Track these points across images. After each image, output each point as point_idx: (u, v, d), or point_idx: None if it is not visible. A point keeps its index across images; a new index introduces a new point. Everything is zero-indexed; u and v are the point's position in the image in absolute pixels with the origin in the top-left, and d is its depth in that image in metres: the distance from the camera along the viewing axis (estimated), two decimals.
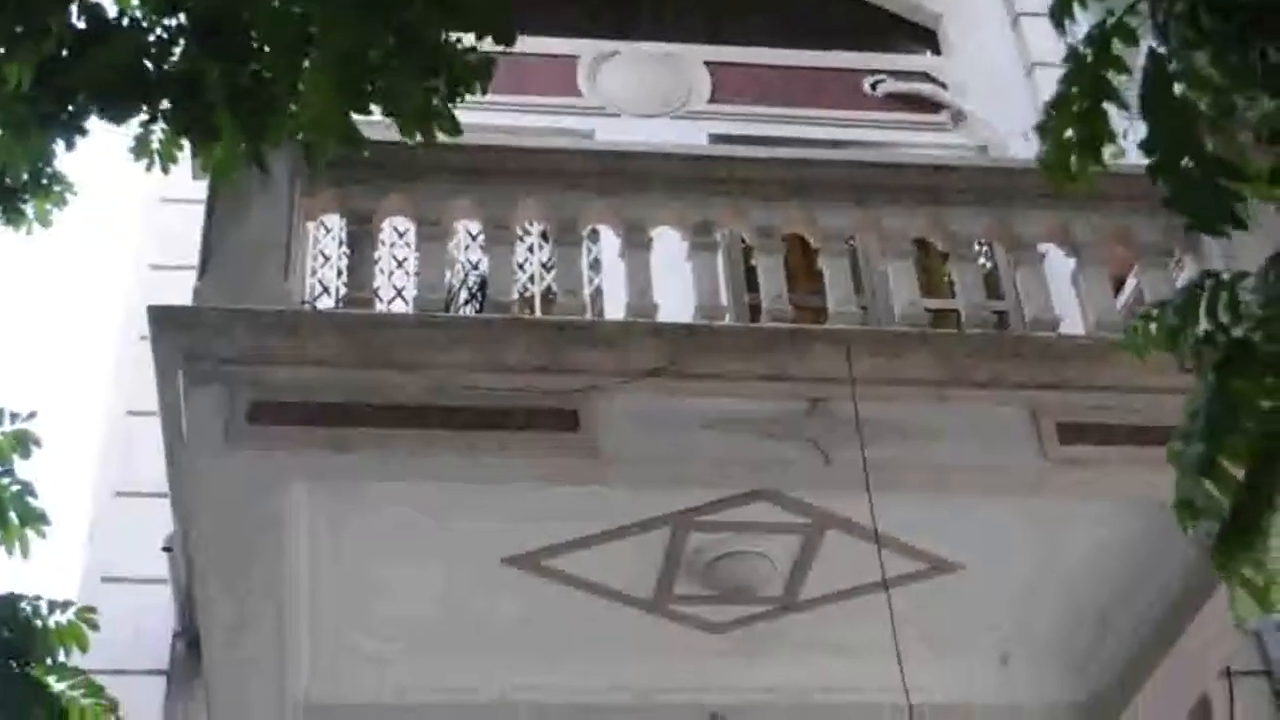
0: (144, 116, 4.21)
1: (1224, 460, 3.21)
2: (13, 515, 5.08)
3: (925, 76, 10.04)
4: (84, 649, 4.96)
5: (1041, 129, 3.78)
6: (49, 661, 4.87)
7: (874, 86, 9.90)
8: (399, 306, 7.86)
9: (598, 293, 7.87)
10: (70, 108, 4.11)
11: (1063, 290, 6.74)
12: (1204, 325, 3.64)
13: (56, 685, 4.86)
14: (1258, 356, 3.42)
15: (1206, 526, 3.22)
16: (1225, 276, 3.66)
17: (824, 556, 6.55)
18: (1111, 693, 7.31)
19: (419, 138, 4.23)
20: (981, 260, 7.62)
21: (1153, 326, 3.75)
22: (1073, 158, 3.82)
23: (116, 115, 4.17)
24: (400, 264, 8.27)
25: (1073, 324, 6.56)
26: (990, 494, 6.14)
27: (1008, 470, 5.96)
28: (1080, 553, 6.78)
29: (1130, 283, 7.11)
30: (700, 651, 6.99)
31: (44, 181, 5.23)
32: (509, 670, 6.96)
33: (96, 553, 7.37)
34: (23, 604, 4.94)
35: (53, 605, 4.94)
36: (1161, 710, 7.25)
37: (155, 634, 7.01)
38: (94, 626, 4.95)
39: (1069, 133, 3.81)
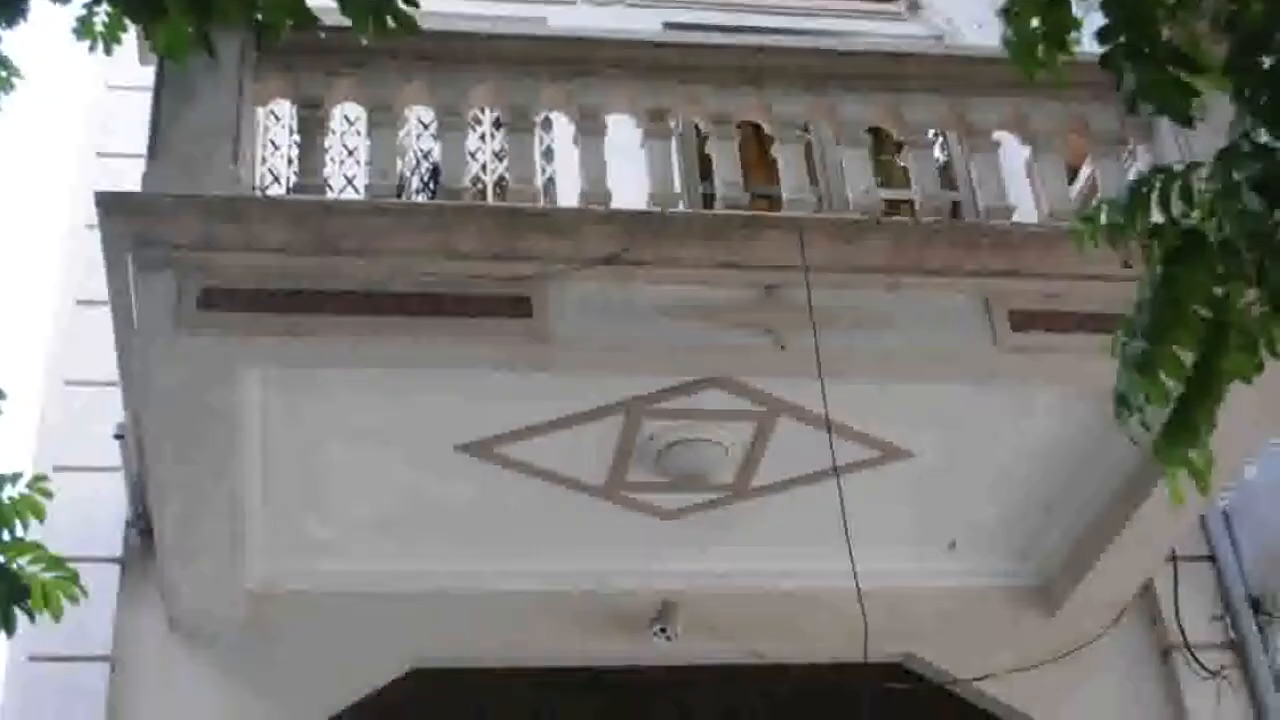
0: None
1: (1173, 349, 3.24)
2: None
3: None
4: (40, 518, 4.91)
5: (1007, 15, 3.77)
6: (5, 537, 4.82)
7: None
8: (350, 196, 7.79)
9: (550, 183, 7.82)
10: None
11: (1017, 182, 6.75)
12: (1155, 218, 3.67)
13: (15, 561, 4.82)
14: (1209, 245, 3.45)
15: (1138, 422, 3.26)
16: (1178, 168, 3.69)
17: (776, 444, 6.58)
18: (1058, 577, 7.43)
19: (371, 31, 4.21)
20: (936, 153, 7.61)
21: (1101, 219, 3.78)
22: (1039, 46, 3.82)
23: None
24: (351, 153, 8.18)
25: (1026, 214, 6.58)
26: (942, 380, 6.17)
27: (960, 357, 5.99)
28: (1029, 440, 6.84)
29: (1084, 172, 7.11)
30: (652, 538, 7.04)
31: None
32: (461, 556, 7.00)
33: (47, 442, 7.32)
34: None
35: (3, 479, 4.88)
36: (1107, 595, 7.38)
37: (108, 522, 6.99)
38: (47, 495, 4.91)
39: (1035, 22, 3.81)
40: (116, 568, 6.95)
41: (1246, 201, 3.19)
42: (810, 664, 7.28)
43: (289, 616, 6.97)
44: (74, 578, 4.88)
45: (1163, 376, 3.28)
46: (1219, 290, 3.41)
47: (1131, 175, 5.97)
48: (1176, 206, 3.48)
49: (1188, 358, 3.35)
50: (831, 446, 5.80)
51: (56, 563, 4.84)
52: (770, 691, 7.35)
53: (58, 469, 6.94)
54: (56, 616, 4.88)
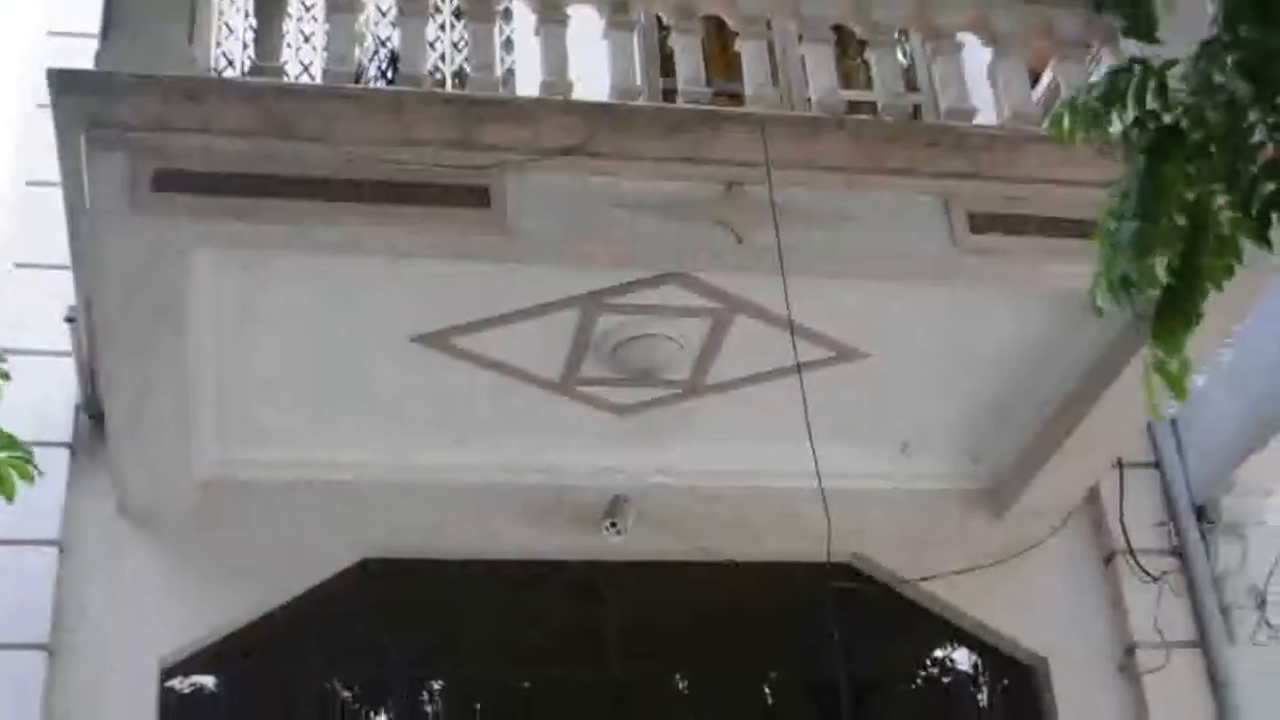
0: None
1: (1165, 226, 3.26)
2: None
3: None
4: None
5: None
6: None
7: None
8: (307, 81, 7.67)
9: (510, 74, 7.73)
10: None
11: (979, 87, 6.72)
12: (1131, 112, 3.66)
13: None
14: (1186, 143, 3.46)
15: (1124, 303, 3.27)
16: (1155, 63, 3.68)
17: (732, 341, 6.59)
18: (1006, 481, 7.51)
19: None
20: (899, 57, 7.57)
21: (1077, 110, 3.76)
22: None
23: None
24: (307, 39, 8.07)
25: (988, 119, 6.57)
26: (901, 281, 6.18)
27: (918, 257, 5.99)
28: (984, 345, 6.87)
29: (1046, 77, 7.09)
30: (606, 434, 7.06)
31: None
32: (413, 446, 7.00)
33: None
34: None
35: None
36: (1054, 498, 7.46)
37: (58, 406, 6.94)
38: (5, 377, 4.87)
39: None
40: (66, 452, 6.91)
41: (1233, 88, 3.19)
42: (759, 562, 7.35)
43: (239, 505, 6.96)
44: (29, 457, 4.84)
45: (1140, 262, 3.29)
46: (1191, 195, 3.42)
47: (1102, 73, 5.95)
48: (1153, 102, 3.48)
49: (1175, 248, 3.36)
50: (794, 343, 5.79)
51: (11, 441, 4.80)
52: (719, 588, 7.41)
53: (7, 352, 6.87)
54: (9, 497, 4.84)
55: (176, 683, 6.84)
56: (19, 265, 7.25)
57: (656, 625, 7.42)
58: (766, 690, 7.55)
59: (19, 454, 4.82)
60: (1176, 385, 3.56)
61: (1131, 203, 3.33)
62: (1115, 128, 3.59)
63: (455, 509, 7.10)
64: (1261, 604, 7.51)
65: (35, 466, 4.90)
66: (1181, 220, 3.33)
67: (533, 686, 7.32)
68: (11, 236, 7.38)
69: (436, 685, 7.26)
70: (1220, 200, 3.42)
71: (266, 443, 6.92)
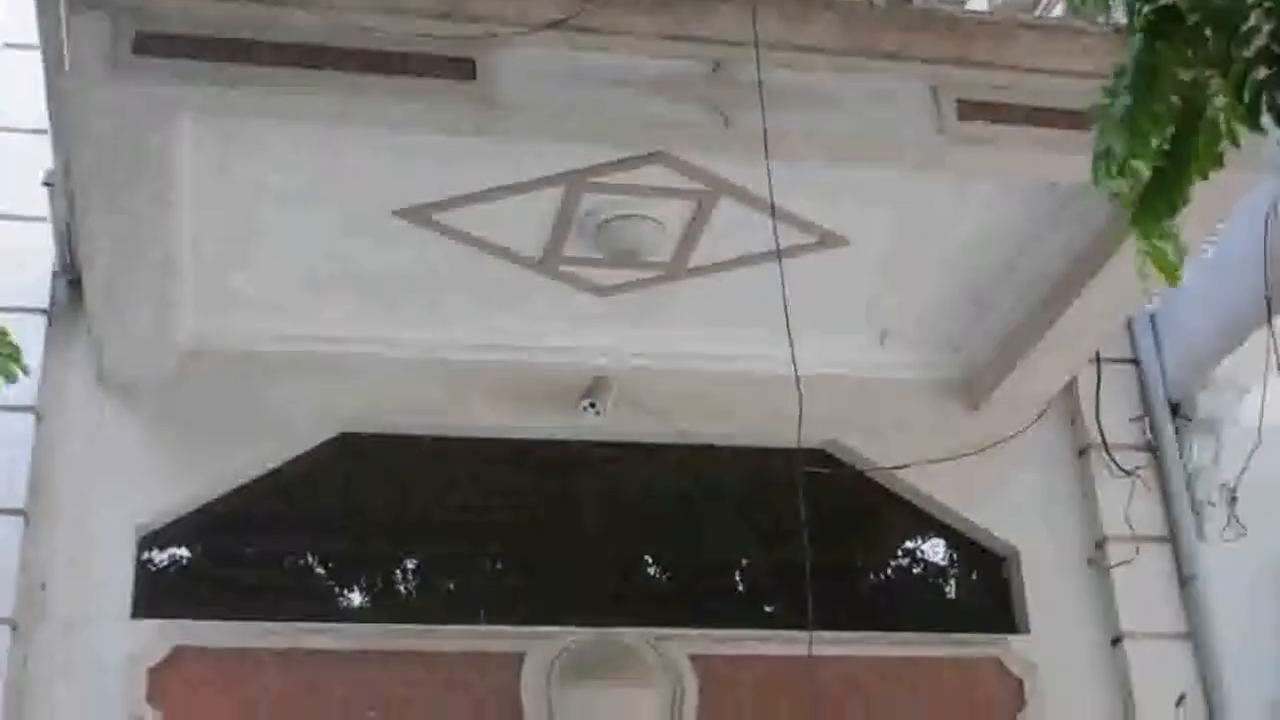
0: None
1: (1155, 106, 3.24)
2: None
3: None
4: None
5: None
6: None
7: None
8: None
9: None
10: None
11: None
12: None
13: None
14: (1183, 24, 3.42)
15: (1118, 180, 3.25)
16: None
17: (715, 225, 6.55)
18: (985, 372, 7.52)
19: None
20: None
21: None
22: None
23: None
24: None
25: (979, 3, 6.51)
26: (886, 166, 6.13)
27: (905, 143, 5.94)
28: (965, 234, 6.85)
29: None
30: (586, 314, 7.05)
31: None
32: (394, 321, 7.00)
33: None
34: None
35: None
36: (1031, 391, 7.49)
37: (35, 272, 6.90)
38: None
39: None
40: (43, 318, 6.87)
41: None
42: (735, 445, 7.38)
43: (219, 375, 6.96)
44: (4, 333, 4.83)
45: (1129, 137, 3.27)
46: (1187, 75, 3.38)
47: None
48: None
49: (1166, 128, 3.34)
50: (774, 227, 5.75)
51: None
52: (695, 470, 7.45)
53: None
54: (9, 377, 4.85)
55: (153, 553, 6.86)
56: None
57: (631, 506, 7.46)
58: (737, 575, 7.62)
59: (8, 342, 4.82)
60: (1170, 271, 3.55)
61: (1126, 80, 3.30)
62: (1119, 9, 3.54)
63: (434, 385, 7.10)
64: (1232, 501, 7.57)
65: (12, 344, 4.87)
66: (1175, 100, 3.30)
67: (506, 565, 7.38)
68: None
69: (411, 563, 7.30)
70: (1214, 85, 3.39)
71: (246, 314, 6.90)
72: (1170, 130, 3.33)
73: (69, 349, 6.86)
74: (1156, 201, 3.36)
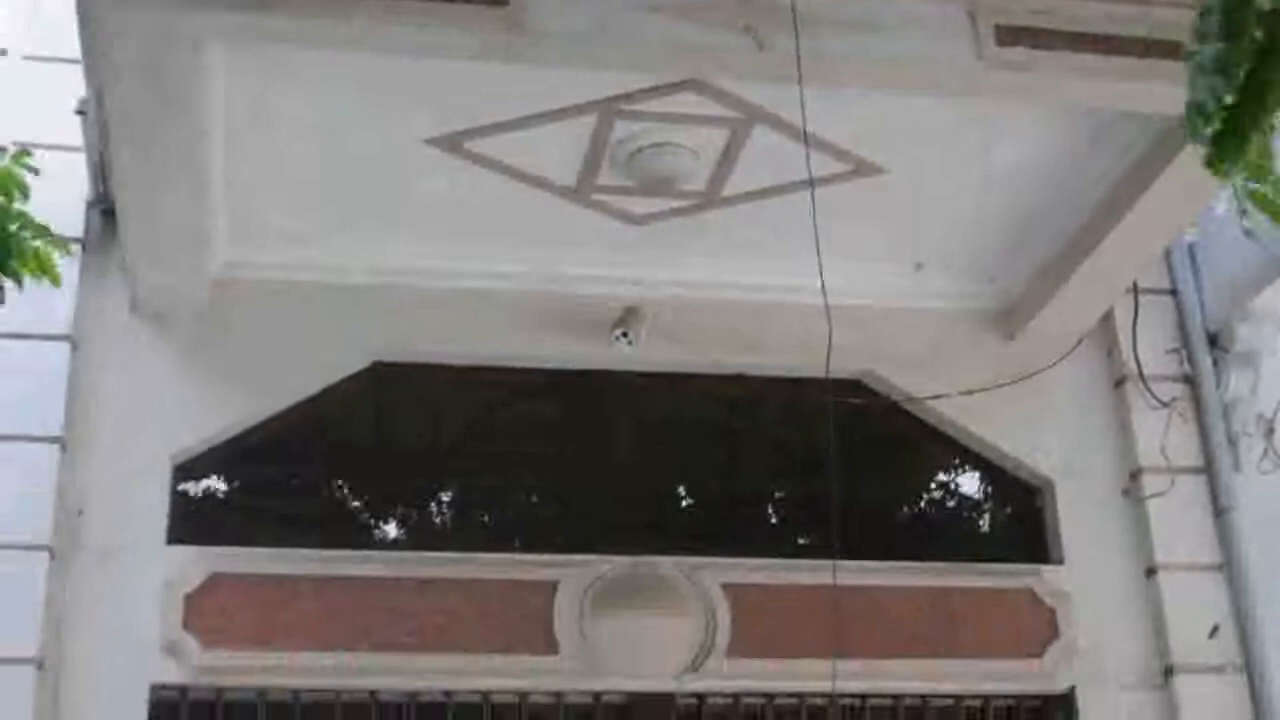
0: None
1: (1236, 66, 3.14)
2: None
3: None
4: (25, 194, 4.84)
5: None
6: None
7: None
8: None
9: None
10: None
11: None
12: None
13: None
14: None
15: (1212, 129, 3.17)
16: None
17: (749, 153, 6.50)
18: (1020, 303, 7.49)
19: None
20: None
21: None
22: None
23: None
24: None
25: None
26: (923, 92, 6.05)
27: (943, 69, 5.82)
28: (1002, 164, 6.77)
29: None
30: (619, 243, 7.02)
31: None
32: (426, 252, 6.99)
33: (6, 121, 7.15)
34: None
35: None
36: (1068, 321, 7.44)
37: (69, 202, 6.87)
38: (34, 171, 4.84)
39: None
40: (78, 248, 6.84)
41: None
42: (769, 376, 7.36)
43: (252, 305, 6.97)
44: (63, 242, 4.84)
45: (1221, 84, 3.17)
46: (1267, 4, 3.28)
47: None
48: None
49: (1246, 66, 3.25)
50: (807, 154, 5.69)
51: (42, 229, 4.79)
52: (728, 400, 7.45)
53: (17, 144, 6.82)
54: (56, 281, 4.87)
55: (189, 482, 6.89)
56: (27, 58, 7.16)
57: (664, 436, 7.46)
58: (770, 505, 7.62)
59: (51, 238, 4.82)
60: (1273, 210, 3.47)
61: (1213, 19, 3.19)
62: None
63: (467, 315, 7.09)
64: (1269, 432, 7.53)
65: (68, 249, 4.88)
66: (1258, 34, 3.19)
67: (540, 494, 7.39)
68: (20, 28, 7.27)
69: (444, 492, 7.33)
70: None
71: (278, 244, 6.90)
72: (1248, 66, 3.22)
73: (103, 278, 6.88)
74: (1228, 142, 3.25)
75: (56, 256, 4.90)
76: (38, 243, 4.79)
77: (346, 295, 7.00)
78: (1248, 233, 3.53)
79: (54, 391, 6.64)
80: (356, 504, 7.23)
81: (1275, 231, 7.02)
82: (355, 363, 7.09)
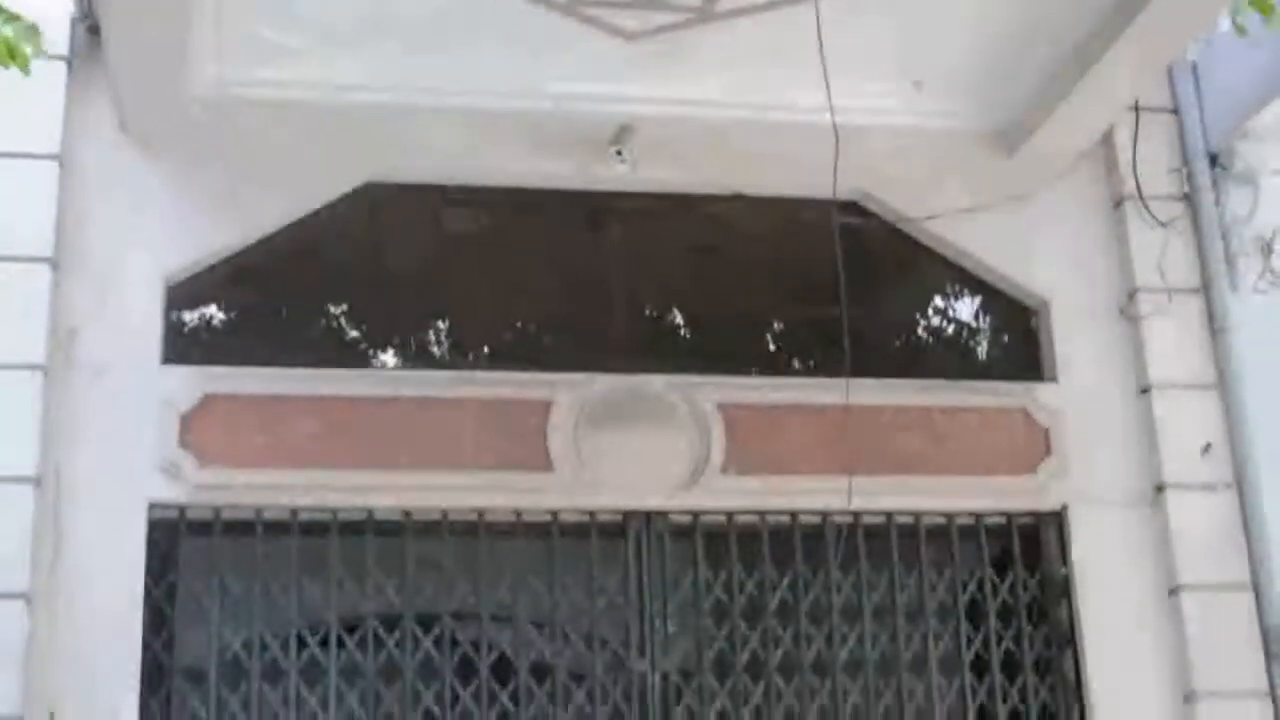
0: None
1: None
2: None
3: None
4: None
5: None
6: None
7: None
8: None
9: None
10: None
11: None
12: None
13: None
14: None
15: None
16: None
17: None
18: (1020, 120, 7.36)
19: None
20: None
21: None
22: None
23: None
24: None
25: None
26: None
27: None
28: None
29: None
30: (614, 60, 6.87)
31: None
32: (417, 69, 6.84)
33: None
34: None
35: None
36: (1067, 140, 7.36)
37: (55, 18, 6.67)
38: None
39: None
40: (64, 65, 6.76)
41: None
42: (765, 196, 7.31)
43: (243, 124, 6.87)
44: (35, 29, 4.74)
45: None
46: None
47: None
48: None
49: None
50: None
51: (13, 17, 4.70)
52: (724, 220, 7.39)
53: None
54: (24, 67, 4.78)
55: (182, 302, 6.87)
56: None
57: (659, 256, 7.41)
58: (765, 325, 7.60)
59: (26, 25, 4.72)
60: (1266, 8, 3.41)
61: None
62: None
63: (459, 133, 7.00)
64: (1267, 252, 7.50)
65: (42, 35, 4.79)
66: None
67: (534, 313, 7.35)
68: None
69: (438, 311, 7.30)
70: None
71: (268, 61, 6.77)
72: None
73: (90, 97, 6.76)
74: None
75: (30, 52, 4.78)
76: (8, 30, 4.69)
77: (339, 114, 6.90)
78: (1240, 30, 3.47)
79: (43, 212, 6.58)
80: (351, 324, 7.21)
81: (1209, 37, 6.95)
82: (347, 183, 7.02)
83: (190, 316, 6.95)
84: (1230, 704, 6.83)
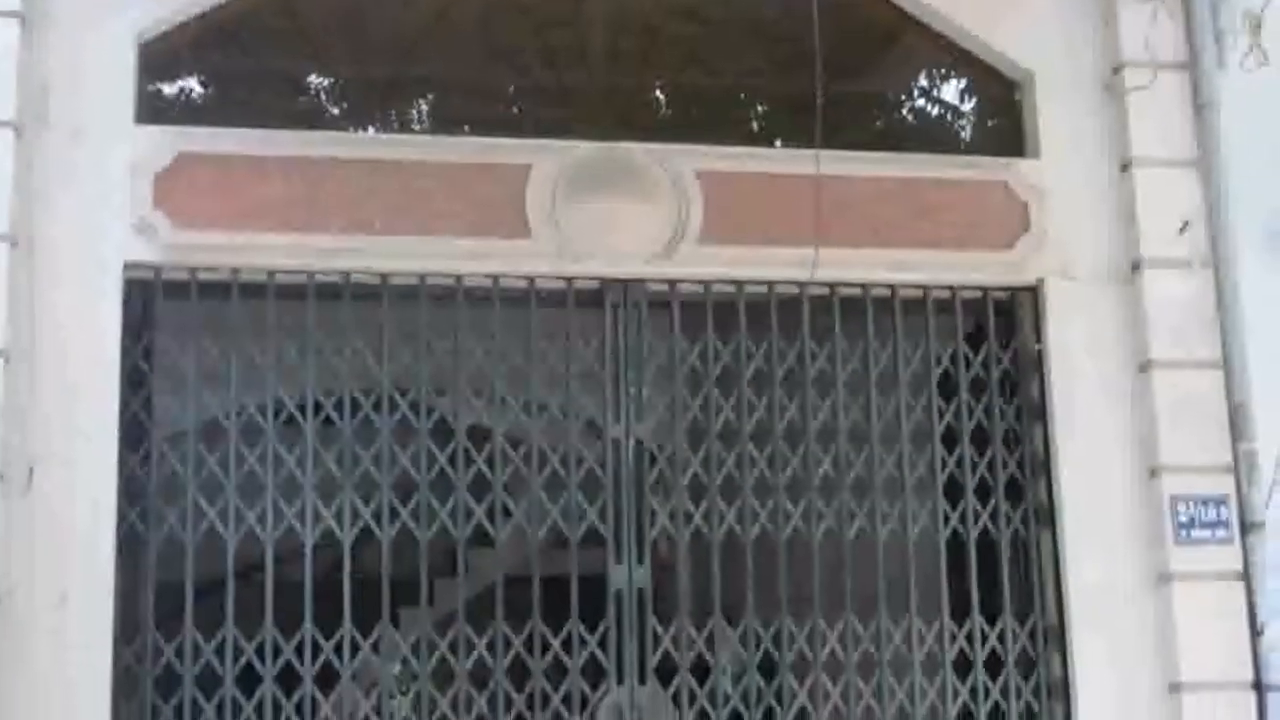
0: None
1: None
2: None
3: None
4: None
5: None
6: None
7: None
8: None
9: None
10: None
11: None
12: None
13: None
14: None
15: None
16: None
17: None
18: None
19: None
20: None
21: None
22: None
23: None
24: None
25: None
26: None
27: None
28: None
29: None
30: None
31: None
32: None
33: None
34: None
35: None
36: None
37: None
38: None
39: None
40: None
41: None
42: None
43: None
44: None
45: None
46: None
47: None
48: None
49: None
50: None
51: None
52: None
53: None
54: None
55: (155, 62, 6.74)
56: None
57: (640, 25, 7.30)
58: (745, 95, 7.50)
59: None
60: None
61: None
62: None
63: None
64: (1256, 29, 7.36)
65: None
66: None
67: (513, 80, 7.25)
68: None
69: (417, 76, 7.19)
70: None
71: None
72: None
73: None
74: None
75: None
76: None
77: None
78: None
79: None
80: (328, 86, 7.12)
81: None
82: None
83: (164, 75, 6.83)
84: (1196, 477, 6.91)
